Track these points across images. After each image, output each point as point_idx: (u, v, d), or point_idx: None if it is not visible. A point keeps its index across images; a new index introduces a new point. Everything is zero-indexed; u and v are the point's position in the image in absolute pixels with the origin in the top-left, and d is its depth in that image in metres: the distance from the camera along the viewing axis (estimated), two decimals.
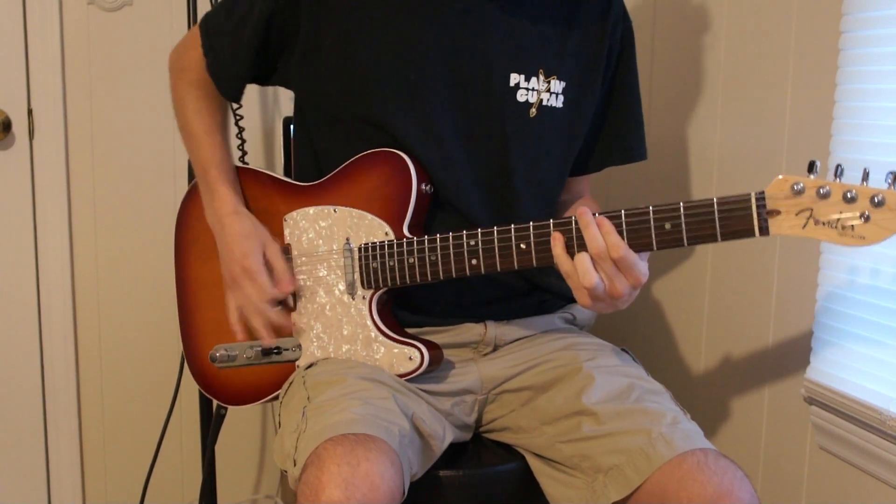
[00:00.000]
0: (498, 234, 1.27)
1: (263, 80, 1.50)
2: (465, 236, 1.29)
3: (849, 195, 1.06)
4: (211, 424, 1.89)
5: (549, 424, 1.34)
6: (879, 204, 1.05)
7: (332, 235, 1.40)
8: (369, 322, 1.36)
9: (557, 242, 1.22)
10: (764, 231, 1.12)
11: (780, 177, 1.10)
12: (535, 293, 1.47)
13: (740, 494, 1.12)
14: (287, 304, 1.43)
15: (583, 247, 1.20)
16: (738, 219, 1.13)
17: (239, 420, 2.19)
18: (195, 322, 1.55)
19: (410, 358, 1.33)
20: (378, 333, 1.36)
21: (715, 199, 1.14)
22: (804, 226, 1.09)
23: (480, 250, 1.28)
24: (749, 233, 1.13)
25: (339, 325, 1.39)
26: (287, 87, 1.50)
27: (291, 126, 1.62)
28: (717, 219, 1.14)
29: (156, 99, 2.01)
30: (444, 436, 1.31)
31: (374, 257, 1.35)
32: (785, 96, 1.53)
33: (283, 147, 1.94)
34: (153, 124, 2.05)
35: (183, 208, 1.58)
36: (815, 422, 1.50)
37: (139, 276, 2.10)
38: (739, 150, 1.66)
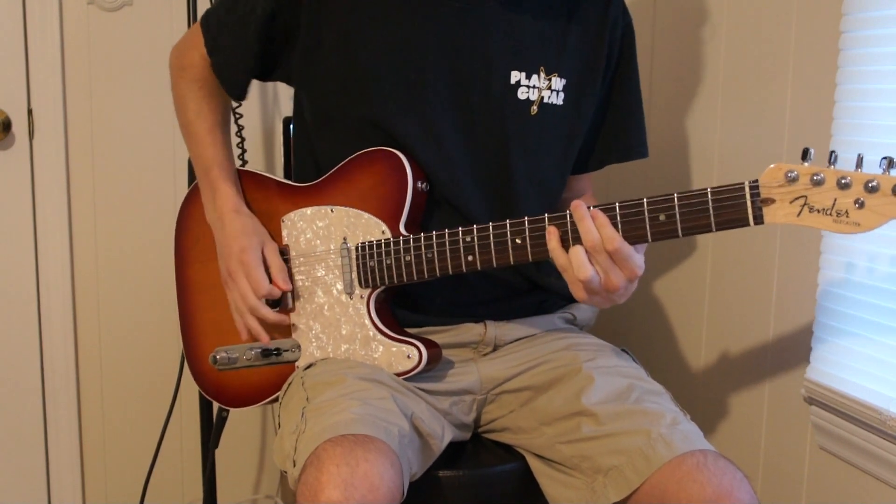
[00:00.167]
0: (493, 229, 1.27)
1: (264, 77, 1.50)
2: (460, 233, 1.29)
3: (843, 181, 1.06)
4: (212, 428, 1.89)
5: (548, 425, 1.34)
6: (874, 189, 1.04)
7: (330, 235, 1.40)
8: (367, 321, 1.36)
9: (552, 236, 1.22)
10: (758, 220, 1.11)
11: (774, 165, 1.10)
12: (535, 293, 1.46)
13: (739, 495, 1.12)
14: (285, 304, 1.43)
15: (578, 240, 1.20)
16: (733, 208, 1.12)
17: (239, 421, 2.19)
18: (195, 324, 1.55)
19: (409, 356, 1.33)
20: (376, 332, 1.36)
21: (709, 190, 1.13)
22: (798, 213, 1.09)
23: (476, 246, 1.28)
24: (743, 222, 1.12)
25: (338, 325, 1.39)
26: (288, 83, 1.50)
27: (291, 126, 1.62)
28: (711, 209, 1.14)
29: (156, 99, 2.01)
30: (443, 435, 1.31)
31: (371, 256, 1.35)
32: (785, 96, 1.53)
33: (283, 147, 1.94)
34: (153, 124, 2.05)
35: (183, 210, 1.58)
36: (815, 422, 1.49)
37: (139, 276, 2.10)
38: (739, 150, 1.66)
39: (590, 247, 1.19)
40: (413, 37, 1.36)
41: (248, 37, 1.41)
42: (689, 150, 1.79)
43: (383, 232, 1.35)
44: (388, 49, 1.36)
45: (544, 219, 1.24)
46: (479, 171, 1.39)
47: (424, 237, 1.31)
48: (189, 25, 1.91)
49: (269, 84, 2.05)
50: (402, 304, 1.41)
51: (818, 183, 1.08)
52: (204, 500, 2.00)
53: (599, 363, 1.36)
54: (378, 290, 1.37)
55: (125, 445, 2.16)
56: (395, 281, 1.34)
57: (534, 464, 1.36)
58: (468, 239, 1.28)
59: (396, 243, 1.33)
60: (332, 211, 1.40)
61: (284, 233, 1.44)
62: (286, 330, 1.44)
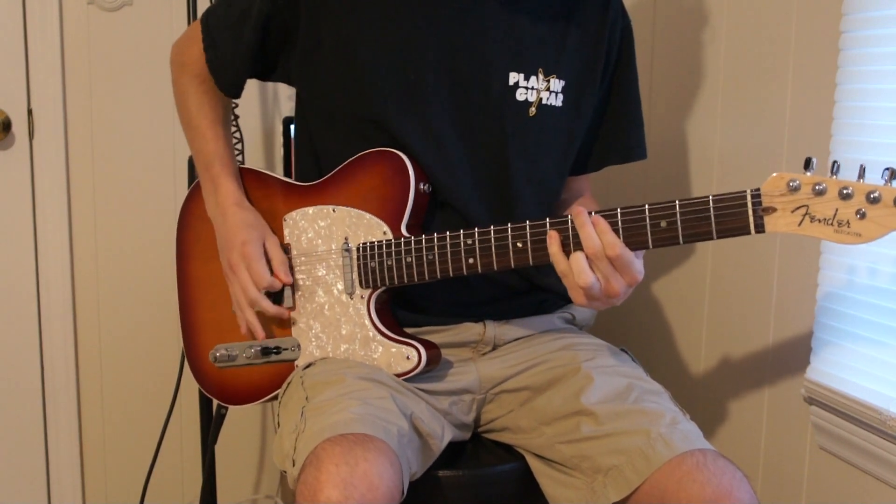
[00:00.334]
0: (495, 232, 1.27)
1: (264, 77, 1.50)
2: (462, 235, 1.29)
3: (845, 192, 1.06)
4: (211, 424, 1.89)
5: (548, 425, 1.34)
6: (875, 200, 1.04)
7: (331, 235, 1.40)
8: (367, 322, 1.36)
9: (553, 241, 1.22)
10: (760, 228, 1.12)
11: (776, 174, 1.10)
12: (534, 293, 1.46)
13: (739, 495, 1.12)
14: (286, 301, 1.43)
15: (579, 245, 1.20)
16: (734, 216, 1.13)
17: (239, 420, 2.19)
18: (196, 322, 1.55)
19: (408, 357, 1.33)
20: (376, 333, 1.36)
21: (711, 197, 1.14)
22: (800, 223, 1.09)
23: (477, 249, 1.28)
24: (745, 230, 1.13)
25: (338, 325, 1.39)
26: (289, 83, 1.50)
27: (292, 126, 1.62)
28: (712, 216, 1.14)
29: (156, 99, 2.01)
30: (442, 435, 1.31)
31: (372, 257, 1.35)
32: (785, 96, 1.53)
33: (283, 147, 1.94)
34: (153, 124, 2.05)
35: (185, 208, 1.58)
36: (815, 422, 1.49)
37: (139, 275, 2.10)
38: (739, 150, 1.66)
39: (591, 254, 1.19)
40: (412, 37, 1.36)
41: (245, 36, 1.41)
42: (689, 150, 1.79)
43: (385, 233, 1.35)
44: (388, 49, 1.36)
45: (546, 223, 1.24)
46: (478, 171, 1.39)
47: (426, 239, 1.31)
48: (189, 25, 1.91)
49: (269, 84, 2.05)
50: (402, 304, 1.41)
51: (820, 193, 1.08)
52: (203, 500, 1.99)
53: (598, 363, 1.36)
54: (378, 291, 1.37)
55: (125, 445, 2.16)
56: (396, 282, 1.34)
57: (534, 464, 1.36)
58: (469, 241, 1.28)
59: (398, 244, 1.33)
60: (334, 211, 1.40)
61: (286, 231, 1.44)
62: (286, 329, 1.44)
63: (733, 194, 1.13)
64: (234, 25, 1.43)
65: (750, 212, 1.12)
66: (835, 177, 1.08)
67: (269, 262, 1.41)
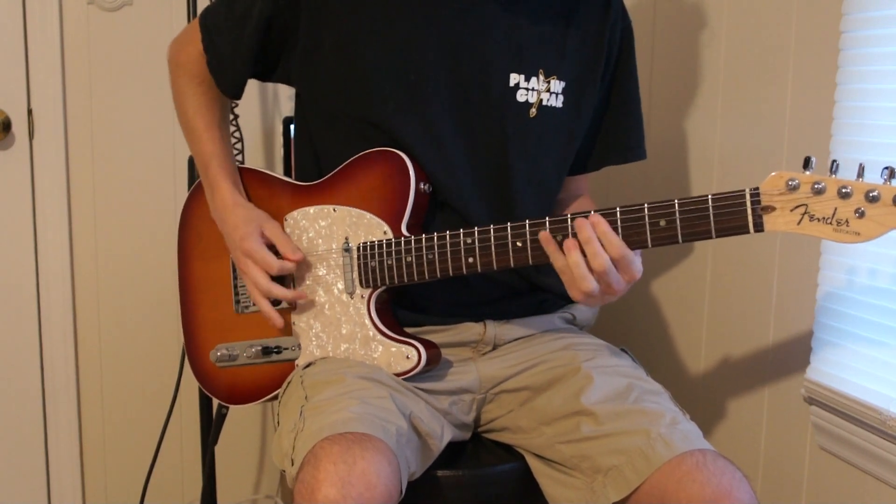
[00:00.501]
0: (494, 232, 1.27)
1: (264, 77, 1.50)
2: (461, 235, 1.29)
3: (844, 190, 1.06)
4: (212, 424, 1.89)
5: (548, 425, 1.34)
6: (874, 199, 1.04)
7: (332, 235, 1.40)
8: (367, 321, 1.36)
9: (548, 243, 1.23)
10: (758, 227, 1.12)
11: (775, 173, 1.10)
12: (534, 293, 1.46)
13: (739, 495, 1.12)
14: (292, 290, 1.42)
15: (576, 237, 1.21)
16: (733, 215, 1.13)
17: (239, 420, 2.19)
18: (197, 321, 1.55)
19: (408, 357, 1.33)
20: (376, 332, 1.36)
21: (710, 196, 1.14)
22: (799, 222, 1.09)
23: (477, 248, 1.28)
24: (744, 229, 1.13)
25: (338, 324, 1.39)
26: (289, 84, 1.50)
27: (292, 126, 1.62)
28: (711, 215, 1.14)
29: (156, 99, 2.01)
30: (442, 435, 1.31)
31: (373, 256, 1.35)
32: (785, 96, 1.53)
33: (283, 147, 1.94)
34: (153, 124, 2.05)
35: (186, 208, 1.58)
36: (815, 422, 1.49)
37: (139, 275, 2.10)
38: (739, 150, 1.66)
39: (599, 272, 1.19)
40: (413, 37, 1.36)
41: (246, 37, 1.41)
42: (689, 150, 1.79)
43: (385, 232, 1.35)
44: (389, 50, 1.36)
45: (545, 222, 1.24)
46: (478, 172, 1.40)
47: (426, 238, 1.31)
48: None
49: (269, 84, 2.05)
50: (402, 304, 1.41)
51: (819, 192, 1.08)
52: (203, 500, 1.99)
53: (598, 363, 1.36)
54: (379, 291, 1.37)
55: (125, 445, 2.16)
56: (396, 281, 1.34)
57: (533, 464, 1.36)
58: (469, 241, 1.29)
59: (398, 244, 1.33)
60: (334, 210, 1.40)
61: (287, 231, 1.44)
62: (287, 328, 1.44)
63: (732, 193, 1.13)
64: (234, 26, 1.43)
65: (749, 211, 1.12)
66: (834, 176, 1.08)
67: (275, 251, 1.41)
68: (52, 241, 2.05)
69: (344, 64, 1.38)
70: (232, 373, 1.50)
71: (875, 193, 1.04)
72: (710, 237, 1.15)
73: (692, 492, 1.12)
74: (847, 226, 1.06)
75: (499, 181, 1.41)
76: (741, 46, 1.64)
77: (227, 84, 1.48)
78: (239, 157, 1.90)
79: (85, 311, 2.10)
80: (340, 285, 1.39)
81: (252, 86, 1.90)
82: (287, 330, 1.44)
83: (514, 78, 1.38)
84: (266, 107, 2.10)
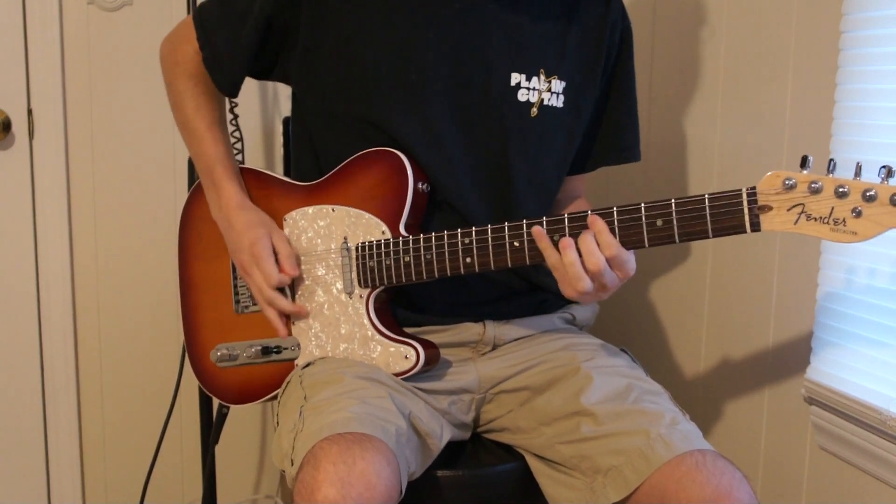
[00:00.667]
0: (492, 232, 1.27)
1: (262, 76, 1.49)
2: (459, 234, 1.29)
3: (841, 190, 1.06)
4: (212, 424, 1.89)
5: (547, 425, 1.33)
6: (872, 198, 1.04)
7: (331, 235, 1.40)
8: (366, 321, 1.36)
9: (541, 238, 1.23)
10: (755, 227, 1.11)
11: (772, 172, 1.10)
12: (534, 293, 1.46)
13: (739, 495, 1.12)
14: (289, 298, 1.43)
15: (574, 237, 1.21)
16: (730, 215, 1.13)
17: (239, 420, 2.19)
18: (197, 321, 1.55)
19: (406, 357, 1.33)
20: (375, 332, 1.36)
21: (706, 196, 1.14)
22: (796, 221, 1.09)
23: (475, 248, 1.28)
24: (740, 229, 1.13)
25: (337, 324, 1.39)
26: (287, 83, 1.50)
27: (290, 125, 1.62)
28: (708, 215, 1.14)
29: (156, 99, 1.99)
30: (441, 434, 1.31)
31: (371, 256, 1.35)
32: (785, 96, 1.53)
33: (283, 147, 1.94)
34: (153, 124, 2.05)
35: (186, 209, 1.58)
36: (815, 422, 1.49)
37: (139, 275, 2.10)
38: (739, 150, 1.65)
39: (593, 272, 1.19)
40: (413, 37, 1.36)
41: (244, 34, 1.41)
42: (689, 149, 1.79)
43: (383, 232, 1.35)
44: (389, 49, 1.36)
45: (542, 222, 1.24)
46: (478, 172, 1.39)
47: (424, 238, 1.31)
48: None
49: (269, 84, 2.05)
50: (402, 304, 1.41)
51: (816, 191, 1.08)
52: (203, 499, 1.99)
53: (598, 363, 1.36)
54: (377, 291, 1.37)
55: (125, 445, 2.16)
56: (395, 281, 1.34)
57: (533, 464, 1.36)
58: (467, 241, 1.29)
59: (396, 244, 1.33)
60: (333, 210, 1.40)
61: (286, 231, 1.44)
62: (302, 316, 1.44)
63: (729, 193, 1.13)
64: (231, 24, 1.42)
65: (746, 210, 1.12)
66: (831, 175, 1.08)
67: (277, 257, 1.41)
68: (52, 241, 2.04)
69: (344, 64, 1.38)
70: (232, 372, 1.50)
71: (872, 193, 1.04)
72: (707, 237, 1.15)
73: (692, 492, 1.12)
74: (844, 225, 1.06)
75: (499, 181, 1.40)
76: (741, 46, 1.64)
77: (223, 82, 1.47)
78: (239, 157, 1.89)
79: (85, 311, 2.10)
80: (339, 285, 1.39)
81: (252, 85, 1.90)
82: (287, 330, 1.44)
83: (516, 77, 1.38)
84: (266, 107, 2.10)
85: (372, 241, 1.36)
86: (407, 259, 1.32)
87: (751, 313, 1.63)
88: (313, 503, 1.07)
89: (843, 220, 1.06)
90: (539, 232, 1.23)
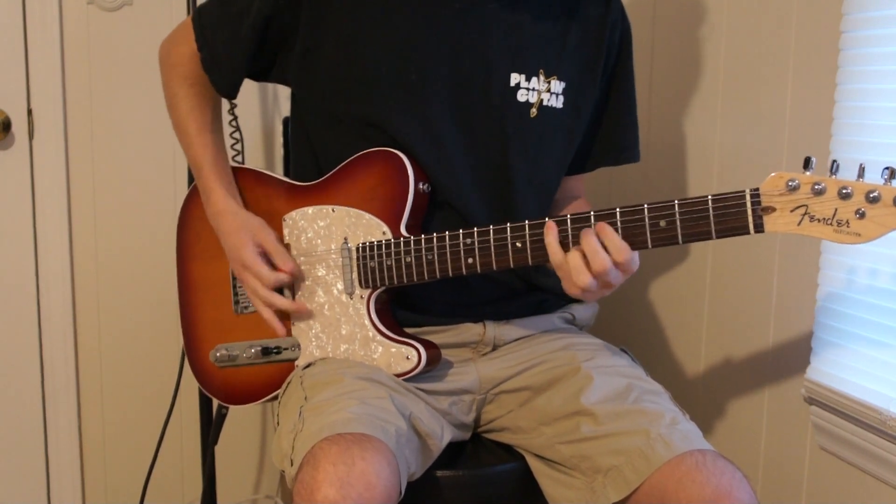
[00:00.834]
0: (494, 232, 1.27)
1: (260, 77, 1.49)
2: (461, 235, 1.29)
3: (844, 191, 1.06)
4: (212, 424, 1.89)
5: (547, 425, 1.34)
6: (875, 200, 1.04)
7: (331, 235, 1.40)
8: (367, 322, 1.36)
9: (550, 232, 1.23)
10: (759, 228, 1.11)
11: (775, 173, 1.10)
12: (534, 293, 1.46)
13: (739, 495, 1.12)
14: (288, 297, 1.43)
15: (577, 240, 1.21)
16: (733, 216, 1.13)
17: (239, 420, 2.19)
18: (197, 322, 1.55)
19: (408, 357, 1.33)
20: (376, 333, 1.36)
21: (710, 197, 1.14)
22: (799, 223, 1.09)
23: (476, 249, 1.28)
24: (744, 230, 1.13)
25: (338, 325, 1.39)
26: (286, 84, 1.50)
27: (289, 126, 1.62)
28: (711, 216, 1.14)
29: (156, 99, 1.99)
30: (442, 435, 1.31)
31: (372, 257, 1.35)
32: (785, 96, 1.53)
33: (283, 147, 1.94)
34: (153, 124, 2.04)
35: (185, 208, 1.58)
36: (815, 422, 1.49)
37: (139, 275, 2.10)
38: (739, 150, 1.65)
39: (599, 272, 1.19)
40: (414, 37, 1.36)
41: (243, 35, 1.40)
42: (689, 149, 1.79)
43: (384, 233, 1.35)
44: (389, 49, 1.36)
45: (545, 222, 1.24)
46: (478, 172, 1.39)
47: (425, 239, 1.31)
48: None
49: (269, 84, 2.04)
50: (402, 304, 1.41)
51: (819, 192, 1.08)
52: (203, 499, 1.99)
53: (598, 363, 1.36)
54: (378, 291, 1.37)
55: (125, 445, 2.16)
56: (396, 282, 1.34)
57: (533, 464, 1.36)
58: (468, 241, 1.29)
59: (397, 244, 1.33)
60: (333, 211, 1.40)
61: (286, 231, 1.44)
62: (301, 314, 1.43)
63: (732, 194, 1.13)
64: (230, 24, 1.42)
65: (749, 211, 1.12)
66: (834, 176, 1.08)
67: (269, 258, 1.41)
68: (52, 241, 2.04)
69: (344, 64, 1.38)
70: (232, 373, 1.50)
71: (875, 194, 1.04)
72: (711, 238, 1.15)
73: (692, 492, 1.12)
74: (847, 226, 1.06)
75: (499, 181, 1.40)
76: (741, 46, 1.64)
77: (222, 83, 1.47)
78: (239, 158, 1.89)
79: (85, 311, 2.10)
80: (340, 286, 1.39)
81: (252, 86, 1.90)
82: (287, 330, 1.44)
83: (515, 78, 1.38)
84: (266, 107, 2.10)
85: (373, 242, 1.35)
86: (408, 259, 1.32)
87: (751, 313, 1.63)
88: (313, 503, 1.07)
89: (847, 222, 1.06)
90: (551, 225, 1.23)
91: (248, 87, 1.50)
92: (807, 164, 1.09)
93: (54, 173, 2.02)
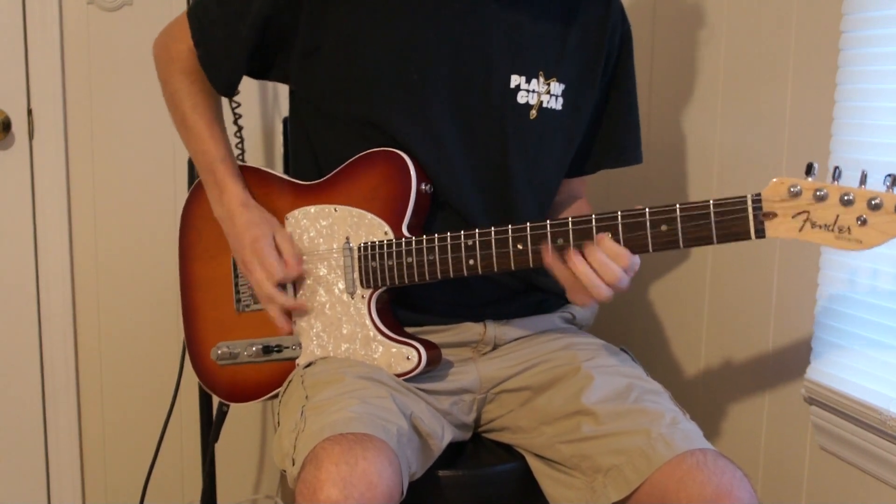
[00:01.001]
0: (495, 234, 1.27)
1: (259, 76, 1.49)
2: (462, 236, 1.29)
3: (846, 198, 1.06)
4: (212, 422, 1.89)
5: (548, 424, 1.34)
6: (877, 207, 1.04)
7: (333, 234, 1.40)
8: (368, 321, 1.36)
9: (546, 253, 1.23)
10: (760, 234, 1.12)
11: (777, 179, 1.10)
12: (534, 293, 1.47)
13: (739, 494, 1.12)
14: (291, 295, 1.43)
15: (579, 246, 1.21)
16: (735, 221, 1.13)
17: (239, 420, 2.19)
18: (198, 320, 1.55)
19: (408, 358, 1.33)
20: (377, 333, 1.36)
21: (711, 202, 1.13)
22: (801, 229, 1.09)
23: (478, 250, 1.28)
24: (745, 235, 1.12)
25: (339, 324, 1.39)
26: (286, 83, 1.50)
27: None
28: (713, 221, 1.14)
29: (156, 99, 1.98)
30: (442, 435, 1.31)
31: (374, 257, 1.35)
32: (785, 96, 1.53)
33: (283, 147, 1.94)
34: (153, 124, 2.05)
35: (187, 208, 1.58)
36: (815, 422, 1.49)
37: (139, 275, 2.10)
38: (739, 151, 1.66)
39: (612, 282, 1.20)
40: (414, 38, 1.36)
41: (242, 33, 1.40)
42: (689, 150, 1.79)
43: (386, 233, 1.35)
44: (389, 50, 1.36)
45: (546, 225, 1.24)
46: (478, 173, 1.40)
47: (426, 239, 1.31)
48: None
49: (269, 84, 2.05)
50: (403, 304, 1.41)
51: (821, 198, 1.08)
52: (203, 499, 1.99)
53: (599, 362, 1.36)
54: (379, 291, 1.37)
55: (125, 445, 2.16)
56: (397, 282, 1.34)
57: (534, 464, 1.37)
58: (470, 243, 1.29)
59: (399, 245, 1.33)
60: (335, 210, 1.40)
61: (288, 230, 1.44)
62: (303, 313, 1.43)
63: (734, 199, 1.13)
64: (228, 22, 1.41)
65: (751, 217, 1.12)
66: (836, 183, 1.08)
67: (281, 255, 1.41)
68: (52, 241, 2.04)
69: (344, 64, 1.37)
70: (233, 371, 1.50)
71: (877, 201, 1.04)
72: (712, 242, 1.14)
73: (693, 491, 1.12)
74: (849, 233, 1.06)
75: (499, 182, 1.41)
76: (741, 46, 1.64)
77: (219, 81, 1.46)
78: (239, 157, 1.90)
79: (85, 311, 2.10)
80: (341, 285, 1.39)
81: (252, 85, 1.90)
82: (289, 327, 1.44)
83: (515, 80, 1.38)
84: (266, 106, 2.10)
85: (374, 242, 1.36)
86: (410, 260, 1.32)
87: (751, 313, 1.63)
88: (315, 503, 1.07)
89: (848, 229, 1.06)
90: (549, 255, 1.23)
91: (249, 87, 1.50)
92: (809, 170, 1.09)
93: (54, 173, 2.02)
